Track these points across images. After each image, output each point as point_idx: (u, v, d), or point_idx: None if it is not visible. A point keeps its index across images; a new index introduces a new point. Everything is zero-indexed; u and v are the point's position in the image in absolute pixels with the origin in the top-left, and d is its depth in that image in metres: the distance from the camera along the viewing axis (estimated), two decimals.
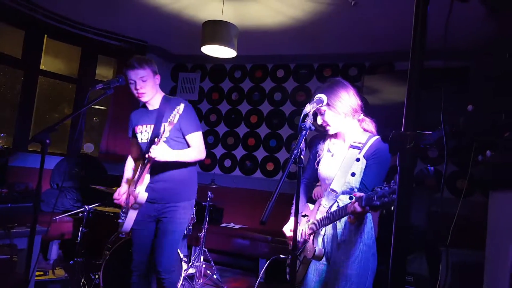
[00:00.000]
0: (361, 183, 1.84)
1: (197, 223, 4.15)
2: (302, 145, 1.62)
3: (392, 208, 1.37)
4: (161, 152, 2.30)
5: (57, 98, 5.33)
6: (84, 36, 4.97)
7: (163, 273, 2.46)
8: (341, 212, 1.71)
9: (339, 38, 4.51)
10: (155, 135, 2.45)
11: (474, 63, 3.96)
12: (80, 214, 3.84)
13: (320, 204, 1.91)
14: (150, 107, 2.59)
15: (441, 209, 3.57)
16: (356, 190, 1.85)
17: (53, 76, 5.02)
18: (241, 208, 4.98)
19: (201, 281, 3.98)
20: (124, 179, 2.66)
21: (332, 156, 1.95)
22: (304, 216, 2.03)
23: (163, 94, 2.64)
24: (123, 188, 2.60)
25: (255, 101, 5.52)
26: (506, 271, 2.22)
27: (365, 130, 1.95)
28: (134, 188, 2.46)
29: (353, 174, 1.83)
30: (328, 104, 1.86)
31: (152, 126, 2.53)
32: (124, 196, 2.56)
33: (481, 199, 3.75)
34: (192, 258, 4.17)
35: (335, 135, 2.00)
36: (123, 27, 4.94)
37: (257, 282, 3.42)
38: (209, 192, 4.08)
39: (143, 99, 2.52)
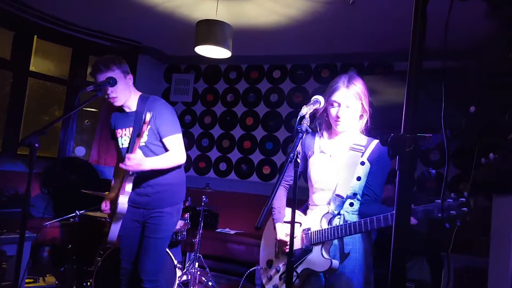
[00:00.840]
0: (366, 187, 1.78)
1: (192, 229, 4.08)
2: (299, 148, 1.59)
3: (460, 221, 1.36)
4: (135, 163, 2.16)
5: (47, 100, 5.24)
6: (75, 36, 4.89)
7: (145, 282, 2.36)
8: (383, 221, 1.57)
9: (337, 37, 4.43)
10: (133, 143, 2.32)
11: (476, 63, 3.90)
12: (71, 220, 3.76)
13: (327, 211, 1.78)
14: (127, 109, 2.44)
15: (442, 214, 3.48)
16: (359, 195, 1.78)
17: (43, 77, 4.92)
18: (237, 213, 4.89)
19: None
20: (112, 187, 2.56)
21: (330, 157, 1.87)
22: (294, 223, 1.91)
23: (139, 93, 2.46)
24: (111, 196, 2.50)
25: (251, 102, 5.43)
26: (509, 276, 2.15)
27: (362, 132, 1.91)
28: (117, 198, 2.36)
29: (358, 178, 1.77)
30: (360, 98, 1.83)
31: (131, 129, 2.39)
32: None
33: (485, 203, 3.67)
34: (187, 265, 4.09)
35: (328, 135, 1.93)
36: (115, 27, 4.85)
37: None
38: (203, 196, 4.00)
39: (116, 103, 2.34)
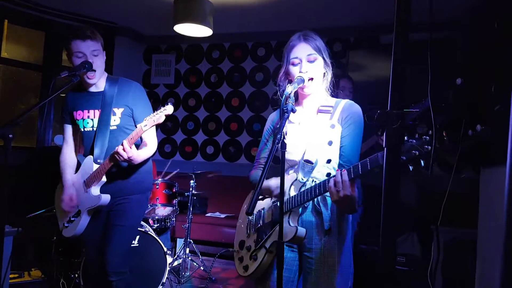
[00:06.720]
0: (343, 158, 1.67)
1: (181, 214, 4.00)
2: (285, 128, 1.49)
3: (423, 163, 1.25)
4: (133, 157, 2.09)
5: (22, 87, 5.02)
6: (47, 19, 4.68)
7: (111, 275, 2.21)
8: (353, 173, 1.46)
9: (322, 11, 4.31)
10: (105, 122, 2.21)
11: (462, 34, 3.83)
12: (54, 211, 3.66)
13: (295, 179, 1.67)
14: (93, 89, 2.29)
15: (431, 187, 3.49)
16: (336, 165, 1.68)
17: (16, 64, 4.71)
18: (226, 196, 4.82)
19: (188, 274, 3.84)
20: (67, 178, 2.31)
21: (299, 124, 1.76)
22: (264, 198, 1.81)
23: (106, 73, 2.35)
24: (70, 189, 2.28)
25: (236, 82, 5.30)
26: (499, 247, 2.14)
27: (328, 93, 1.80)
28: (86, 188, 2.24)
29: (330, 143, 1.66)
30: (320, 51, 1.70)
31: (97, 111, 2.26)
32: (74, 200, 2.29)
33: (472, 175, 3.67)
34: (177, 251, 4.03)
35: (296, 103, 1.81)
36: (89, 8, 4.63)
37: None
38: (191, 181, 3.94)
39: (93, 80, 2.20)
